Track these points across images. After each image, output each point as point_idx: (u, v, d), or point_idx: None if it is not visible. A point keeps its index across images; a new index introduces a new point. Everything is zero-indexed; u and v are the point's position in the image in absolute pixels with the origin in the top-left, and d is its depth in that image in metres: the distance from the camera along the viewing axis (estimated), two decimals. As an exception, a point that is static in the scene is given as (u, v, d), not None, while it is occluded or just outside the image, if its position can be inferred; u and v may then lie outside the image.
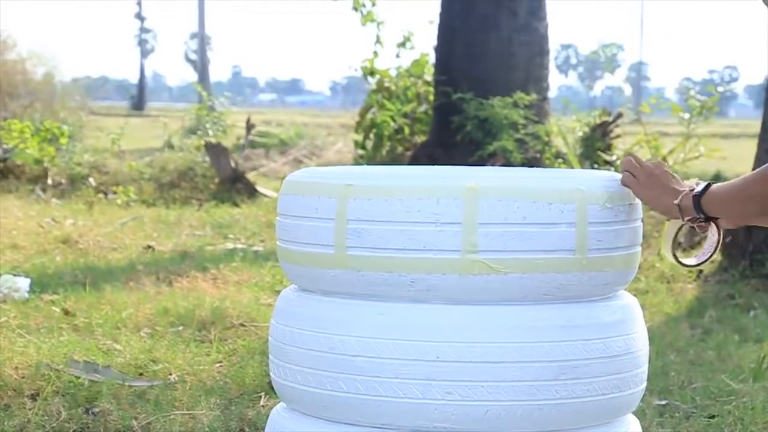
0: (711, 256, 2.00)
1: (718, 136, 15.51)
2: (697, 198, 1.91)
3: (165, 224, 8.00)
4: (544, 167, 7.51)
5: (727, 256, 5.86)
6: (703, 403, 3.51)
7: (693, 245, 6.45)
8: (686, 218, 1.93)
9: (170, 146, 13.35)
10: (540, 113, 8.91)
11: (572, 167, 8.66)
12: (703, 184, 1.93)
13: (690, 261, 2.02)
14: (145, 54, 53.21)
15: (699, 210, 1.91)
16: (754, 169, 2.05)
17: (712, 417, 3.36)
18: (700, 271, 5.89)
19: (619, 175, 2.06)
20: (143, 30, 53.47)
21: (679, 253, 2.01)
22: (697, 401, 3.53)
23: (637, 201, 2.05)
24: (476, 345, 1.92)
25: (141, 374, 3.80)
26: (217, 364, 3.94)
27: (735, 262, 5.76)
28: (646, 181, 1.96)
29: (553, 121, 9.29)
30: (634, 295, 2.12)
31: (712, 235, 1.96)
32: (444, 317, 1.94)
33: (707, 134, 11.59)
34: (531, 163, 8.47)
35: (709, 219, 1.91)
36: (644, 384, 2.10)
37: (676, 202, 1.93)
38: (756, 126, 6.38)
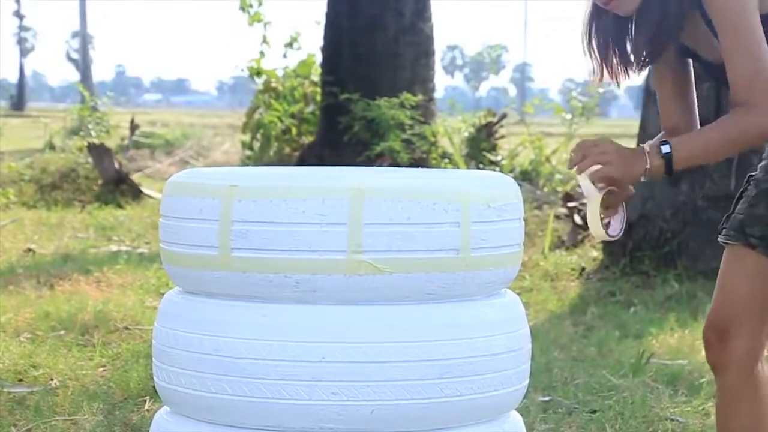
0: (623, 227, 2.14)
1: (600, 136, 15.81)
2: (668, 157, 2.04)
3: (46, 226, 7.82)
4: (430, 167, 7.58)
5: (608, 254, 5.99)
6: (585, 399, 3.58)
7: (575, 243, 6.58)
8: (648, 177, 2.06)
9: (51, 147, 13.05)
10: (426, 114, 8.98)
11: (458, 167, 8.76)
12: (665, 146, 2.05)
13: (613, 232, 2.14)
14: (24, 53, 51.98)
15: (670, 168, 2.05)
16: None
17: (594, 412, 3.43)
18: (583, 269, 6.01)
19: (502, 175, 2.10)
20: (22, 28, 52.22)
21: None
22: (580, 397, 3.60)
23: (519, 200, 2.09)
24: (361, 345, 1.92)
25: (20, 380, 3.71)
26: (101, 369, 3.87)
27: (615, 260, 5.89)
28: (613, 158, 2.06)
29: (439, 121, 9.38)
30: (519, 294, 2.15)
31: (622, 211, 2.13)
32: (329, 318, 1.94)
33: (589, 134, 11.82)
34: (418, 163, 8.53)
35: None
36: (527, 381, 2.13)
37: (647, 166, 2.05)
38: (636, 126, 6.54)
